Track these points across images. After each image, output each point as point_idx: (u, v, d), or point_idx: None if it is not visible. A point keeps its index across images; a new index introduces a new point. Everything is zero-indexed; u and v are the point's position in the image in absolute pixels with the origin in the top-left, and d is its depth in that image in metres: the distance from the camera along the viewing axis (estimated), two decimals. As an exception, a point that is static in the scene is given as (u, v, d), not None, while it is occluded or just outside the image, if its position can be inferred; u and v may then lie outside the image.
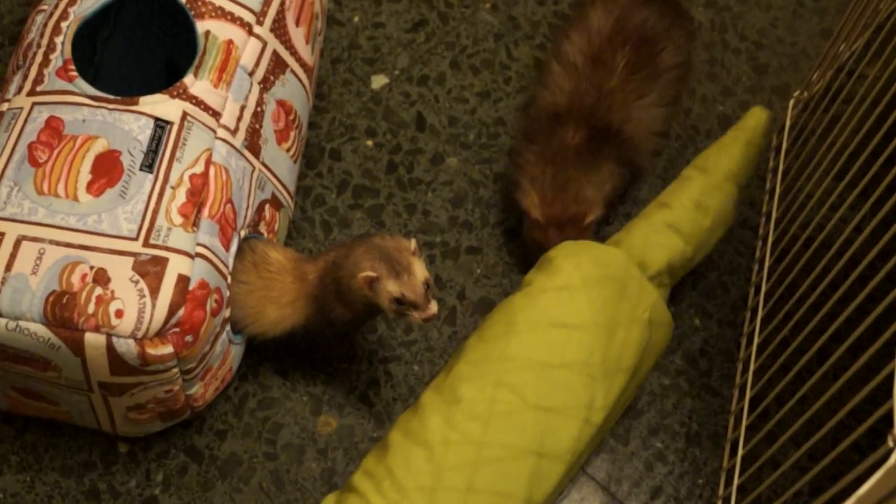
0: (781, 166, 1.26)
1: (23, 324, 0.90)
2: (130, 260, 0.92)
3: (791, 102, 1.31)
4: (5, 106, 1.01)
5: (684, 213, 1.12)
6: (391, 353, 1.17)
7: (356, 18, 1.39)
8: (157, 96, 0.98)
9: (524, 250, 1.23)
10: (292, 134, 1.13)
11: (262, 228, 1.09)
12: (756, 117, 1.20)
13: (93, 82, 1.16)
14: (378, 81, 1.34)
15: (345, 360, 1.16)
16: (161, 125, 0.97)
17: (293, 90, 1.13)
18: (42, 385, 0.99)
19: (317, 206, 1.25)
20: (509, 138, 1.31)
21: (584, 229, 1.15)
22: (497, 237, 1.25)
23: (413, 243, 1.00)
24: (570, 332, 1.02)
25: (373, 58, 1.36)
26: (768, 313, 1.15)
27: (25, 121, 0.98)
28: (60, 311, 0.90)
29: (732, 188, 1.16)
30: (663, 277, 1.12)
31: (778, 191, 1.24)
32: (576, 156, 1.15)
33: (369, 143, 1.30)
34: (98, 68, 1.22)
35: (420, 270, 0.99)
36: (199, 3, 1.03)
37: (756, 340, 1.14)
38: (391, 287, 0.98)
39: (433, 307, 0.98)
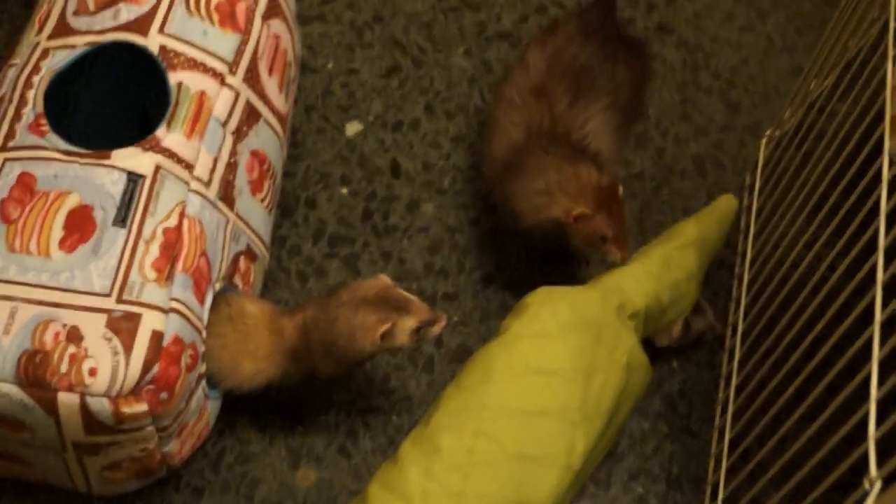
0: (755, 205, 1.27)
1: (-5, 382, 0.90)
2: (104, 317, 0.91)
3: (763, 141, 1.32)
4: (-24, 162, 1.01)
5: (659, 266, 1.14)
6: (369, 403, 1.16)
7: (330, 65, 1.39)
8: (130, 150, 0.98)
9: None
10: (266, 184, 1.13)
11: (238, 280, 1.08)
12: (724, 203, 1.22)
13: (67, 134, 1.17)
14: (352, 128, 1.35)
15: (322, 411, 1.15)
16: (134, 179, 0.97)
17: (267, 140, 1.13)
18: (16, 446, 0.98)
19: (293, 256, 1.24)
20: (484, 183, 1.31)
21: (622, 200, 1.13)
22: (473, 283, 1.25)
23: (384, 277, 1.04)
24: (548, 379, 1.02)
25: (347, 104, 1.36)
26: (746, 354, 1.16)
27: (-3, 177, 0.98)
28: (34, 370, 0.89)
29: (696, 254, 1.18)
30: (639, 322, 1.12)
31: (752, 230, 1.25)
32: (558, 165, 1.13)
33: (344, 190, 1.30)
34: (72, 120, 1.21)
35: (409, 294, 1.03)
36: (172, 55, 1.03)
37: (734, 381, 1.14)
38: (409, 324, 1.01)
39: (442, 314, 1.03)
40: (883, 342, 0.79)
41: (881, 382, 0.76)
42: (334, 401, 1.16)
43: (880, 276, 0.81)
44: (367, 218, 1.28)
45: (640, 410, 1.18)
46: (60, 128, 1.16)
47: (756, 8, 1.51)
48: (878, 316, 0.80)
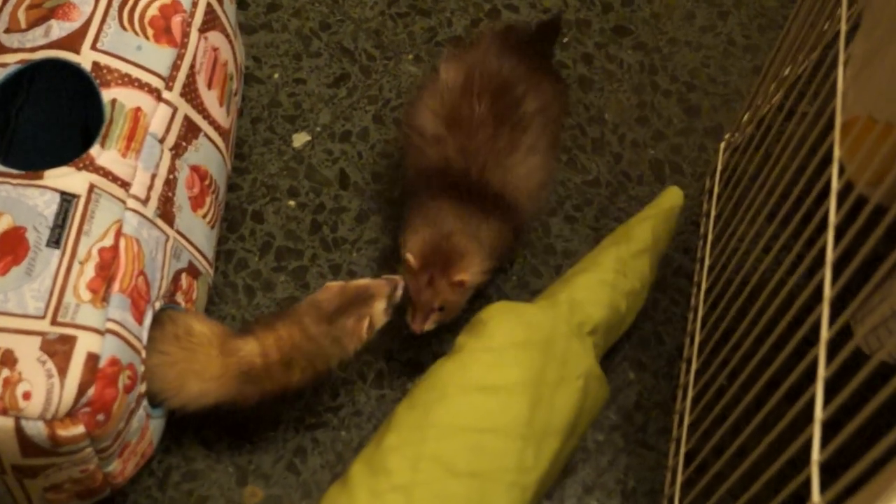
0: (714, 211, 1.32)
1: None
2: (38, 339, 0.95)
3: (722, 145, 1.37)
4: None
5: (613, 274, 1.18)
6: (318, 419, 1.21)
7: (276, 75, 1.44)
8: (63, 169, 1.02)
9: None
10: (208, 199, 1.18)
11: (180, 298, 1.13)
12: (672, 196, 1.27)
13: (7, 153, 1.21)
14: (300, 139, 1.39)
15: (270, 427, 1.20)
16: (67, 199, 1.01)
17: (208, 154, 1.17)
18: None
19: (239, 270, 1.29)
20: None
21: (455, 286, 1.16)
22: (425, 295, 1.29)
23: (330, 284, 1.12)
24: (497, 396, 1.07)
25: (294, 115, 1.41)
26: (704, 363, 1.20)
27: (-72, 199, 1.02)
28: (-34, 394, 0.93)
29: (650, 259, 1.23)
30: (598, 336, 1.17)
31: (710, 236, 1.30)
32: (455, 216, 1.17)
33: (292, 203, 1.34)
34: (12, 138, 1.26)
35: (359, 281, 1.13)
36: (105, 71, 1.07)
37: (691, 392, 1.19)
38: (380, 306, 1.12)
39: (395, 277, 1.15)
40: (830, 360, 0.79)
41: (827, 403, 0.77)
42: (282, 417, 1.20)
43: (827, 292, 0.82)
44: (316, 230, 1.33)
45: (594, 423, 1.22)
46: (0, 146, 1.22)
47: (716, 7, 1.56)
48: (825, 334, 0.81)
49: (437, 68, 1.25)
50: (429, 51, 1.48)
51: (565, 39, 1.50)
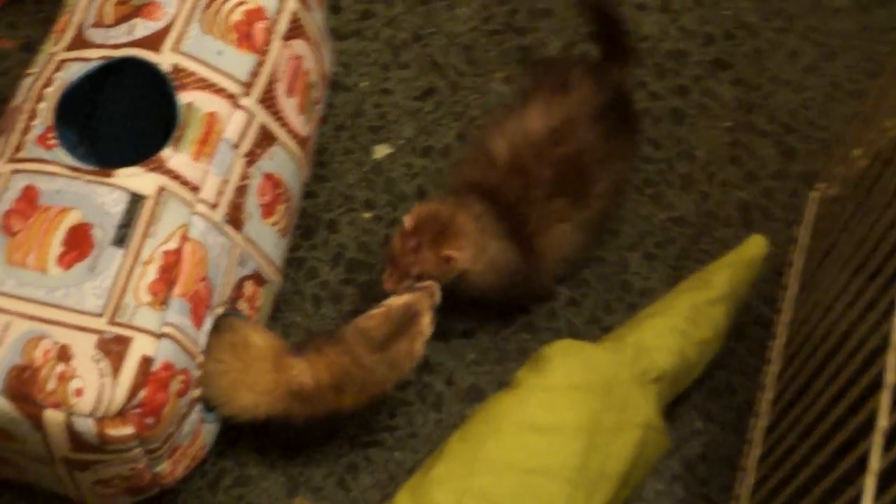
0: (799, 262, 1.29)
1: (-16, 393, 0.96)
2: (94, 337, 0.97)
3: (814, 194, 1.34)
4: (-14, 171, 1.08)
5: (686, 321, 1.17)
6: (373, 437, 1.21)
7: (363, 84, 1.45)
8: (133, 169, 1.04)
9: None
10: (280, 208, 1.19)
11: (243, 305, 1.14)
12: (755, 245, 1.24)
13: (90, 145, 1.24)
14: (381, 151, 1.40)
15: (324, 441, 1.20)
16: (136, 199, 1.03)
17: (282, 163, 1.18)
18: (10, 454, 1.04)
19: (309, 279, 1.30)
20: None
21: (440, 259, 1.15)
22: (492, 321, 1.29)
23: (376, 310, 1.12)
24: (551, 438, 1.06)
25: (377, 126, 1.41)
26: (776, 419, 1.17)
27: (3, 189, 1.04)
28: (22, 385, 0.95)
29: (726, 309, 1.20)
30: (663, 385, 1.15)
31: (794, 289, 1.27)
32: (476, 212, 1.17)
33: (367, 215, 1.35)
34: (97, 130, 1.29)
35: (396, 297, 1.13)
36: (183, 74, 1.09)
37: (759, 448, 1.16)
38: (426, 321, 1.12)
39: (430, 284, 1.14)
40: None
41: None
42: (338, 432, 1.21)
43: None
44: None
45: (655, 471, 1.20)
46: (83, 138, 1.25)
47: (823, 47, 1.53)
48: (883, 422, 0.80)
49: (526, 94, 1.24)
50: (520, 71, 1.47)
51: (656, 67, 1.49)
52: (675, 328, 1.16)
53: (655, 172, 1.40)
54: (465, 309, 1.28)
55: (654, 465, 1.16)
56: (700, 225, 1.37)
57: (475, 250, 1.16)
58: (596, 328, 1.29)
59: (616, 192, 1.26)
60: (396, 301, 1.12)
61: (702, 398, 1.25)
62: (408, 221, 1.15)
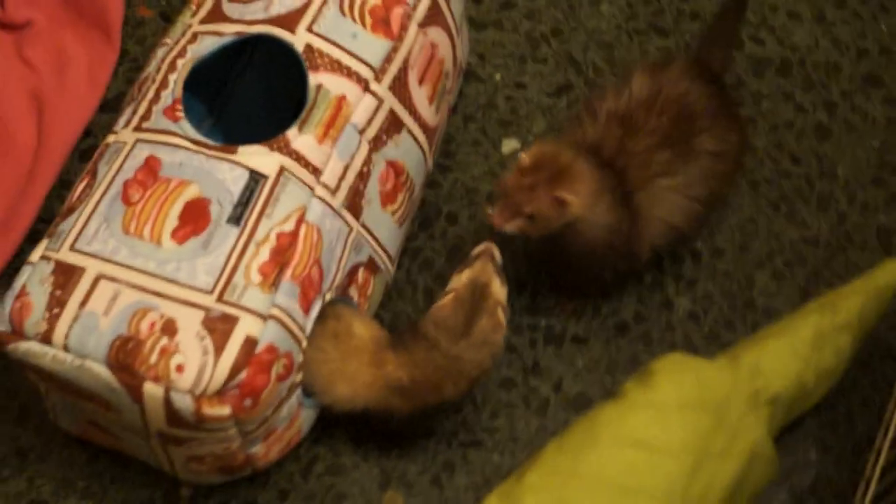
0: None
1: (87, 363, 0.96)
2: (201, 314, 0.96)
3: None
4: (112, 138, 1.08)
5: (808, 346, 1.11)
6: (472, 437, 1.18)
7: (498, 76, 1.41)
8: (257, 147, 1.03)
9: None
10: (400, 196, 1.17)
11: (353, 292, 1.12)
12: (890, 271, 1.17)
13: (219, 118, 1.24)
14: (509, 146, 1.36)
15: (423, 436, 1.18)
16: (256, 178, 1.02)
17: (408, 151, 1.16)
18: (107, 422, 1.05)
19: (423, 270, 1.28)
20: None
21: (554, 202, 1.09)
22: (607, 329, 1.25)
23: (439, 303, 1.09)
24: (653, 456, 1.01)
25: (508, 120, 1.38)
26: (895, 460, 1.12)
27: (126, 157, 1.05)
28: (124, 356, 0.95)
29: (852, 337, 1.14)
30: (777, 409, 1.10)
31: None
32: (588, 165, 1.12)
33: (489, 210, 1.31)
34: (226, 104, 1.29)
35: (459, 279, 1.10)
36: (316, 55, 1.07)
37: (874, 487, 1.11)
38: (499, 293, 1.09)
39: (486, 245, 1.12)
40: None
41: None
42: (437, 427, 1.19)
43: None
44: (507, 242, 1.30)
45: (762, 500, 1.15)
46: (212, 112, 1.25)
47: None
48: None
49: (630, 72, 1.21)
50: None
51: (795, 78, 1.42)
52: (795, 352, 1.11)
53: (792, 189, 1.34)
54: (577, 311, 1.25)
55: (759, 494, 1.10)
56: (834, 246, 1.31)
57: (591, 199, 1.11)
58: (714, 345, 1.24)
59: (724, 166, 1.19)
60: (459, 282, 1.08)
61: (819, 427, 1.20)
62: (526, 158, 1.10)
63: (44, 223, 1.25)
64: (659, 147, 1.14)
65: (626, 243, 1.16)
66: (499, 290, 1.09)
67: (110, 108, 1.38)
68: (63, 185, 1.32)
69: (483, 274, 1.08)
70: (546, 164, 1.10)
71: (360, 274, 1.13)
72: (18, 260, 1.25)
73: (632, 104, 1.16)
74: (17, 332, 0.98)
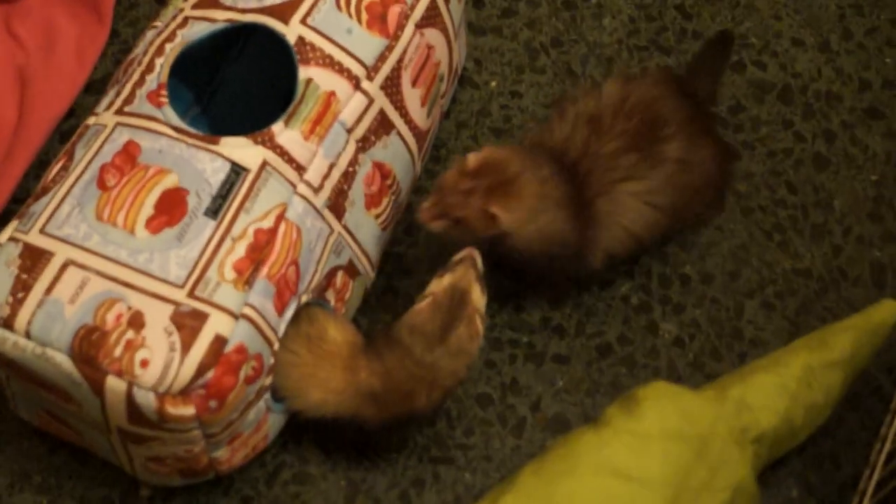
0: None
1: (49, 352, 0.92)
2: (170, 308, 0.92)
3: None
4: (92, 120, 1.04)
5: (797, 382, 1.07)
6: (444, 453, 1.14)
7: (493, 83, 1.37)
8: (240, 139, 0.99)
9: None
10: (385, 200, 1.13)
11: (330, 296, 1.08)
12: (885, 311, 1.13)
13: (207, 106, 1.19)
14: (500, 155, 1.32)
15: (393, 449, 1.14)
16: (237, 171, 0.98)
17: (396, 153, 1.12)
18: (66, 415, 1.01)
19: (404, 277, 1.23)
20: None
21: (485, 216, 1.06)
22: (590, 350, 1.21)
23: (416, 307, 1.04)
24: (631, 486, 0.98)
25: (501, 129, 1.34)
26: (881, 502, 1.08)
27: (105, 140, 1.00)
28: (87, 347, 0.91)
29: (843, 375, 1.10)
30: (762, 447, 1.06)
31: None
32: (541, 175, 1.09)
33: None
34: (216, 92, 1.25)
35: (438, 281, 1.06)
36: (308, 48, 1.03)
37: (856, 531, 1.07)
38: (477, 296, 1.04)
39: (468, 251, 1.07)
40: None
41: None
42: (408, 442, 1.14)
43: None
44: (493, 254, 1.26)
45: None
46: (199, 100, 1.20)
47: None
48: None
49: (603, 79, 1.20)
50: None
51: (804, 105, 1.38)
52: (784, 388, 1.07)
53: (786, 218, 1.30)
54: (561, 329, 1.21)
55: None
56: (827, 280, 1.27)
57: (526, 215, 1.07)
58: (699, 374, 1.20)
59: (696, 177, 1.16)
60: (439, 286, 1.04)
61: (802, 466, 1.16)
62: (472, 161, 1.07)
63: (18, 204, 1.20)
64: (625, 151, 1.12)
65: (574, 251, 1.13)
66: (478, 297, 1.05)
67: (96, 89, 1.34)
68: (41, 164, 1.27)
69: (464, 280, 1.04)
70: (489, 172, 1.06)
71: (339, 277, 1.09)
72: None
73: (601, 106, 1.14)
74: (-22, 320, 0.94)
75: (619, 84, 1.16)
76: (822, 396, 1.09)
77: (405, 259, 1.25)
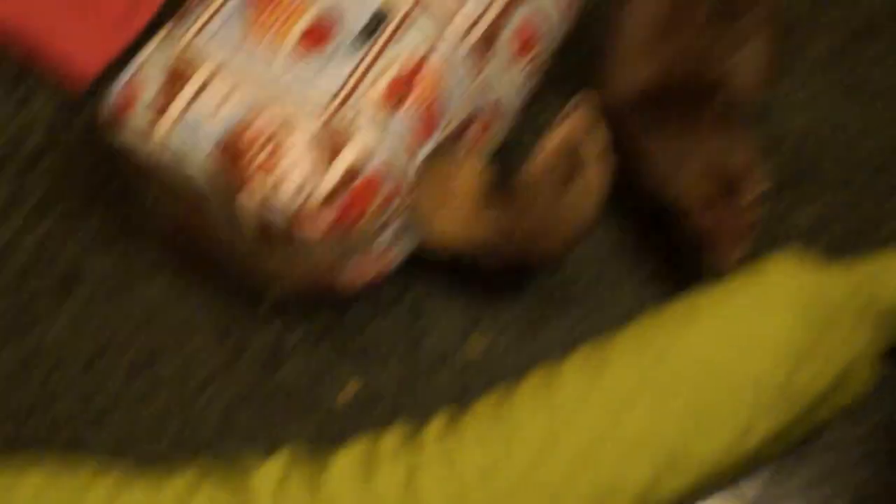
0: None
1: (189, 160, 0.95)
2: (312, 129, 0.94)
3: None
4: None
5: None
6: (565, 297, 1.15)
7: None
8: (396, -24, 1.00)
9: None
10: (530, 54, 1.12)
11: (466, 142, 1.09)
12: None
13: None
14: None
15: (514, 291, 1.15)
16: (386, 8, 0.99)
17: (543, 13, 1.11)
18: (200, 221, 1.05)
19: (539, 132, 1.21)
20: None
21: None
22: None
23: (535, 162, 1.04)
24: (752, 343, 0.96)
25: None
26: None
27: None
28: (229, 157, 0.94)
29: None
30: (890, 323, 1.03)
31: None
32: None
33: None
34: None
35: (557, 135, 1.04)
36: None
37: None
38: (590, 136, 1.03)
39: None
40: None
41: None
42: (530, 286, 1.15)
43: None
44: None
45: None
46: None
47: None
48: None
49: None
50: None
51: None
52: None
53: None
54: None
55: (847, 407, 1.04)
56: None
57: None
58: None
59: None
60: (550, 142, 1.04)
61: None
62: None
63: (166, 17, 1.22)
64: (720, 31, 1.08)
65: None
66: (592, 148, 1.03)
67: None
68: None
69: (573, 133, 1.03)
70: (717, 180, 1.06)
71: (477, 123, 1.09)
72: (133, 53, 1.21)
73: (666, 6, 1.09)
74: (122, 122, 0.98)
75: None
76: None
77: (542, 115, 1.23)
